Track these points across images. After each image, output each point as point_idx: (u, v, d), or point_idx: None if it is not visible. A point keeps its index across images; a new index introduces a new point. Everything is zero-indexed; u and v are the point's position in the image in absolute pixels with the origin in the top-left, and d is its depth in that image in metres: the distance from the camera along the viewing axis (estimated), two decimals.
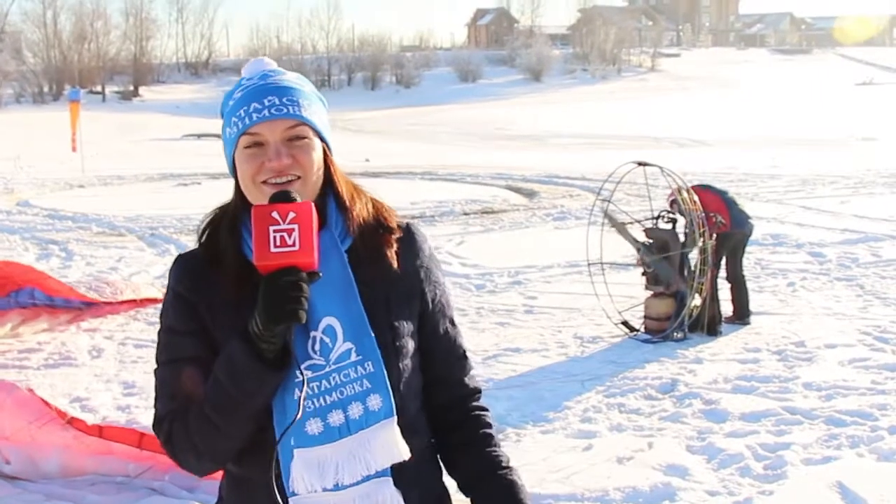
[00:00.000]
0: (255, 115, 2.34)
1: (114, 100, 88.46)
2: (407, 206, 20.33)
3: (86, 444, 6.38)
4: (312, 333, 2.34)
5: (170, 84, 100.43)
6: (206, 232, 2.50)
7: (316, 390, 2.33)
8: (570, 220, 18.74)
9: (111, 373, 9.22)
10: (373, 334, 2.38)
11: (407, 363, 2.47)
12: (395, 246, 2.49)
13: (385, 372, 2.37)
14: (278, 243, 2.16)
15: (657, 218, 10.54)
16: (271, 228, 2.16)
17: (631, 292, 11.10)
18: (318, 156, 2.40)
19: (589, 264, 11.10)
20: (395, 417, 2.37)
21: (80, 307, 11.22)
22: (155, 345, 2.51)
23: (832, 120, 49.34)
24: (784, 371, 9.03)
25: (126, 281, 12.84)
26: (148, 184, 27.26)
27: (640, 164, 10.75)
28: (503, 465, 2.57)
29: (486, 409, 2.66)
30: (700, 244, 10.07)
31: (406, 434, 2.39)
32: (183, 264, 2.50)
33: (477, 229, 18.07)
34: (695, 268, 10.23)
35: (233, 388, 2.25)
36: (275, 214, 2.17)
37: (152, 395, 2.47)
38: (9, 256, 14.90)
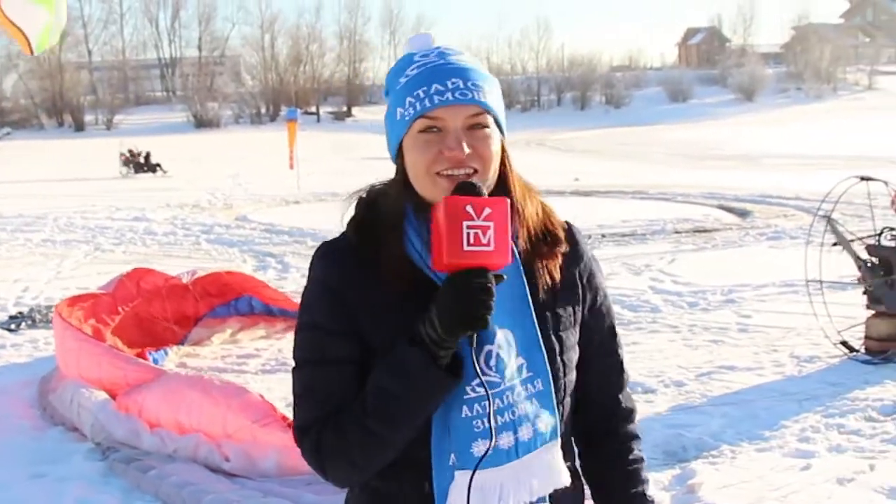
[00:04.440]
0: (436, 98, 2.12)
1: (328, 120, 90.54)
2: (618, 224, 20.26)
3: None
4: (487, 347, 2.12)
5: (382, 105, 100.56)
6: (360, 222, 2.29)
7: (488, 409, 2.11)
8: (785, 240, 18.28)
9: None
10: (543, 349, 2.20)
11: (571, 379, 2.31)
12: (561, 255, 2.30)
13: (552, 390, 2.20)
14: (472, 241, 1.95)
15: (880, 235, 10.19)
16: (465, 224, 1.96)
17: (851, 312, 10.74)
18: (496, 149, 2.18)
19: (807, 282, 10.79)
20: (559, 440, 2.22)
21: (296, 317, 11.49)
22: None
23: None
24: None
25: None
26: None
27: (862, 178, 10.41)
28: (644, 493, 2.45)
29: (638, 437, 2.50)
30: None
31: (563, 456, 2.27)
32: (334, 256, 2.29)
33: (689, 247, 17.78)
34: None
35: (406, 396, 2.06)
36: (469, 209, 1.97)
37: None
38: (228, 268, 15.38)
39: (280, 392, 8.81)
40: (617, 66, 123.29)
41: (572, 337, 2.32)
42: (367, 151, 52.57)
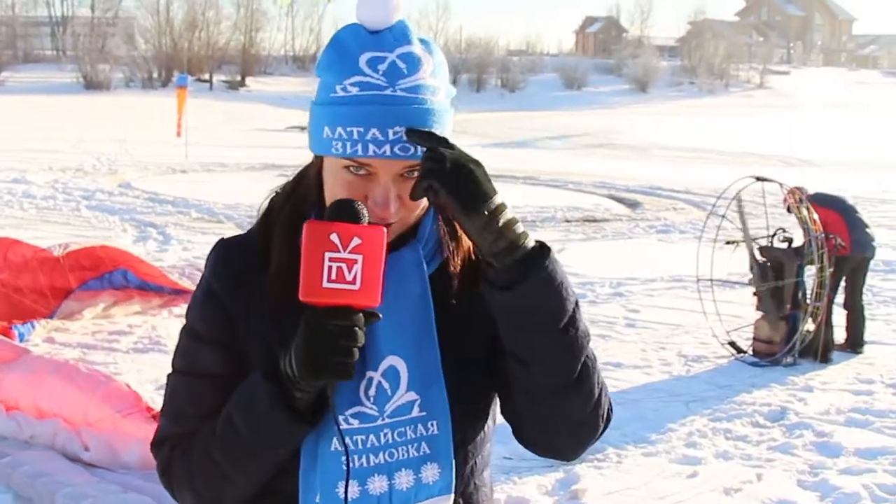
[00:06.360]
0: (371, 148, 1.75)
1: (221, 88, 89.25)
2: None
3: None
4: (370, 374, 1.82)
5: (276, 76, 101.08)
6: (263, 218, 1.98)
7: (360, 446, 1.81)
8: (675, 234, 18.29)
9: None
10: (445, 387, 1.86)
11: (481, 425, 1.97)
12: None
13: (451, 437, 1.86)
14: (333, 276, 1.64)
15: (772, 236, 10.11)
16: (327, 256, 1.64)
17: (740, 312, 10.69)
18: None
19: (698, 280, 10.69)
20: (453, 495, 1.87)
21: (172, 293, 11.07)
22: None
23: None
24: None
25: None
26: (249, 173, 27.20)
27: (758, 179, 10.31)
28: None
29: None
30: (818, 267, 9.62)
31: None
32: (223, 253, 1.96)
33: (578, 237, 17.69)
34: (811, 291, 9.79)
35: (249, 434, 1.76)
36: (334, 238, 1.65)
37: None
38: (107, 237, 14.87)
39: (152, 374, 8.40)
40: (514, 51, 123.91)
41: (485, 378, 1.94)
42: (260, 123, 51.99)
